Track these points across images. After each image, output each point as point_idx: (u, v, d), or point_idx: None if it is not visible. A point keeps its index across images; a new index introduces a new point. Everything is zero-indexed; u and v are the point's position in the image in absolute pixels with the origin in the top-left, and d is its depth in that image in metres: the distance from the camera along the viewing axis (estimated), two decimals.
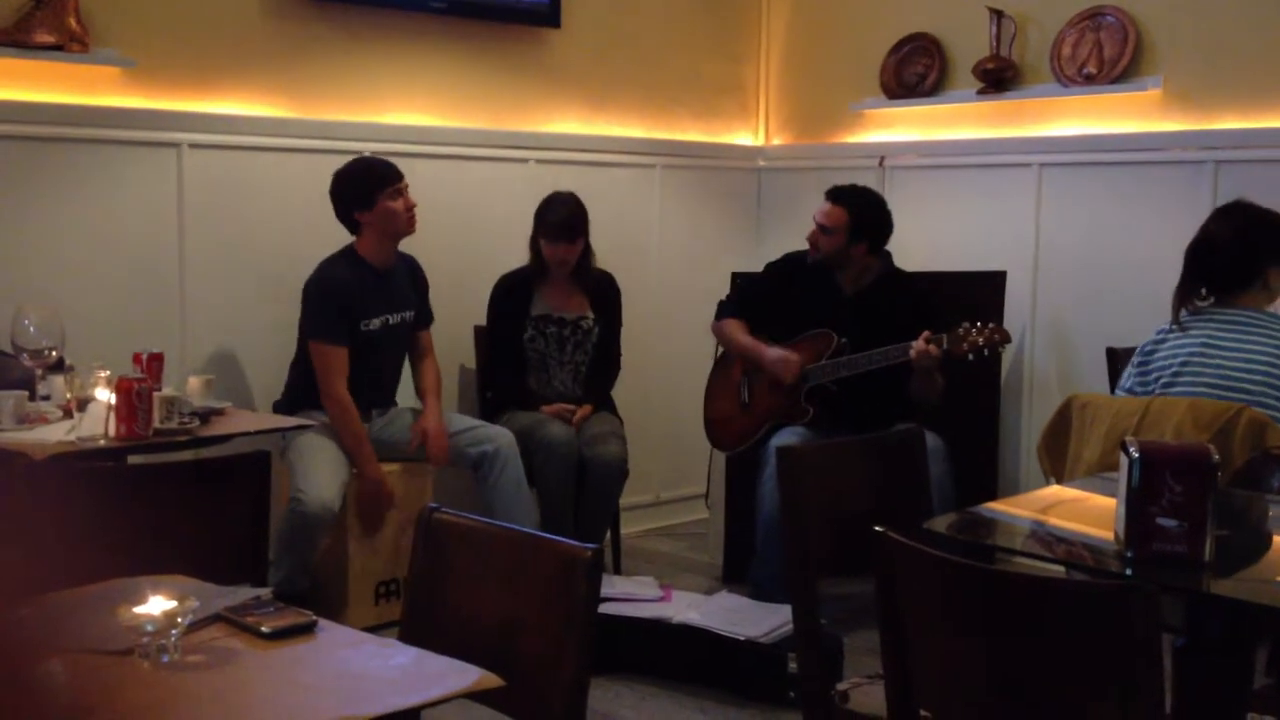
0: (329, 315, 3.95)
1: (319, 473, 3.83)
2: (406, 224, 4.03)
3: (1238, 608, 2.06)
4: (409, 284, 4.18)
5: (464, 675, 1.66)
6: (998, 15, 4.75)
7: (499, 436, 4.11)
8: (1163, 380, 3.03)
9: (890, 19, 5.15)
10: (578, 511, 4.26)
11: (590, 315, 4.48)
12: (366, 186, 3.98)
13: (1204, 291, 3.08)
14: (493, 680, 1.65)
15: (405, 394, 4.28)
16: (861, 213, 4.13)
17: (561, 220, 4.34)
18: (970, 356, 3.87)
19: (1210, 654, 2.10)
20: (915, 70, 5.09)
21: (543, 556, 1.96)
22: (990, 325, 3.87)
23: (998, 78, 4.79)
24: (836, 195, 4.17)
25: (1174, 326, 3.08)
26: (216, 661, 1.70)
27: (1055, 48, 4.66)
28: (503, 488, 4.03)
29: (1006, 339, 3.91)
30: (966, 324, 3.88)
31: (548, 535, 2.03)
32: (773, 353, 4.19)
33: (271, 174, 4.28)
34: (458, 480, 4.24)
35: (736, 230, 5.57)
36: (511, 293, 4.46)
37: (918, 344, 3.88)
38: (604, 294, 4.52)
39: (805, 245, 4.25)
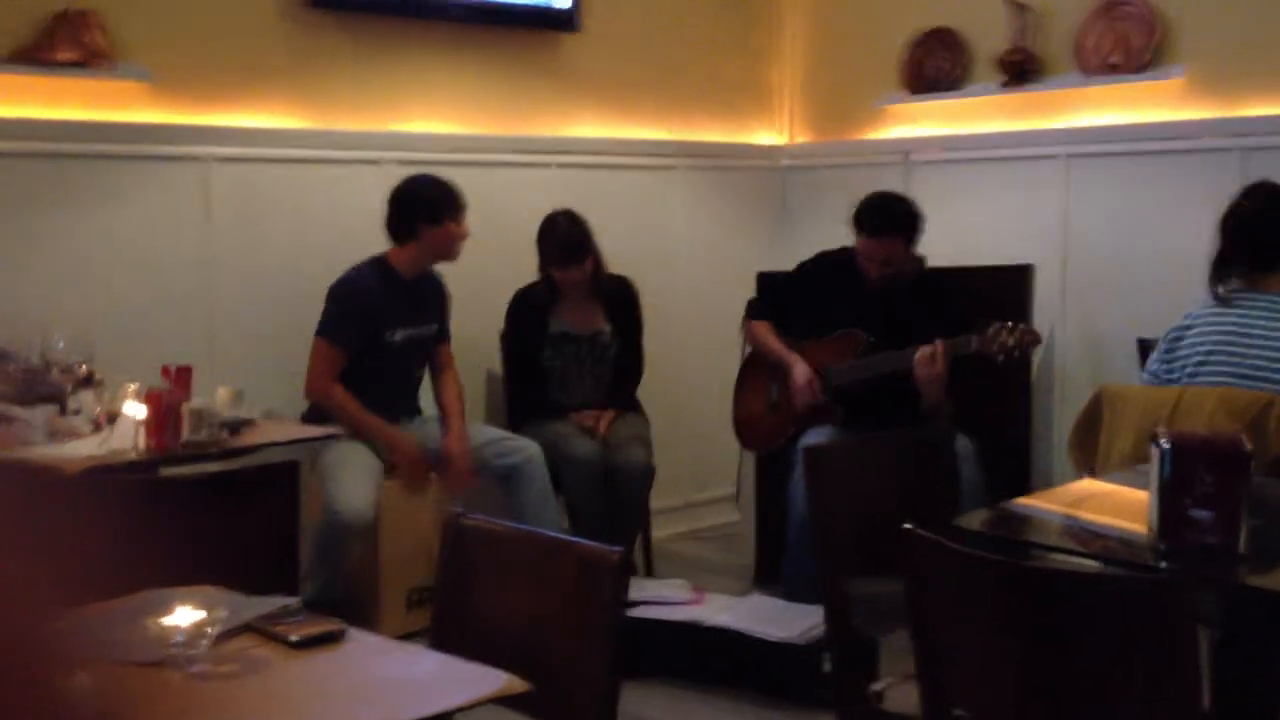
0: (343, 319, 3.95)
1: (351, 481, 3.82)
2: (456, 251, 4.07)
3: (1274, 599, 2.03)
4: (434, 298, 4.18)
5: (491, 680, 1.65)
6: (1019, 7, 4.72)
7: (526, 447, 4.09)
8: (1188, 368, 3.00)
9: (910, 13, 5.12)
10: (607, 518, 4.24)
11: (608, 328, 4.45)
12: (442, 205, 4.00)
13: (1232, 271, 3.05)
14: (519, 685, 1.65)
15: (424, 400, 4.28)
16: (913, 230, 4.08)
17: (563, 244, 4.29)
18: (1001, 358, 3.81)
19: (1247, 646, 2.08)
20: (937, 64, 5.06)
21: (568, 560, 1.96)
22: (1021, 326, 3.82)
23: (1020, 69, 4.75)
24: (882, 228, 4.02)
25: (1206, 308, 3.05)
26: (246, 671, 1.71)
27: (1078, 38, 4.63)
28: (530, 498, 4.02)
29: (1037, 340, 3.86)
30: (998, 324, 3.81)
31: (573, 539, 2.02)
32: (797, 372, 4.12)
33: (295, 185, 4.30)
34: (492, 488, 4.24)
35: (761, 230, 5.55)
36: (527, 312, 4.41)
37: (922, 350, 3.82)
38: (620, 300, 4.48)
39: (834, 245, 4.22)
